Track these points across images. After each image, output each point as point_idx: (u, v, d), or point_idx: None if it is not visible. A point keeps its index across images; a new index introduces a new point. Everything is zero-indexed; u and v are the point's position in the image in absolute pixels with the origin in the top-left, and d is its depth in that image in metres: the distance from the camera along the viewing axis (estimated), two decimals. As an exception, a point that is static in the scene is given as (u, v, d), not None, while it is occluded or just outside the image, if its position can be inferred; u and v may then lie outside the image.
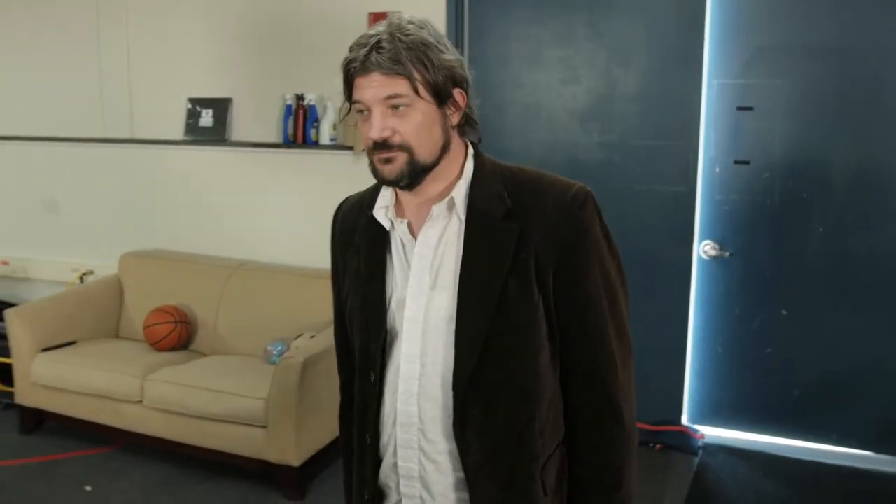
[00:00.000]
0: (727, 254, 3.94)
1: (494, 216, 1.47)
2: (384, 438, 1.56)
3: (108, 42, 4.82)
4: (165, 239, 4.83)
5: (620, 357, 1.52)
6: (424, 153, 1.45)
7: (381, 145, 1.43)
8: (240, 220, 4.68)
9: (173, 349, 4.22)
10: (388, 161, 1.44)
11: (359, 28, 4.11)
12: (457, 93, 1.46)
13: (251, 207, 4.64)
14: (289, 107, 4.42)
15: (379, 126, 1.42)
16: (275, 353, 4.02)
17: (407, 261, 1.53)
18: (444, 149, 1.48)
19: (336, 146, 4.34)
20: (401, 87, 1.39)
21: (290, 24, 4.41)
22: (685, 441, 4.00)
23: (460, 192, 1.49)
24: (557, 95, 4.11)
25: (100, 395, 3.98)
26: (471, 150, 1.54)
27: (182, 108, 4.71)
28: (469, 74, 1.50)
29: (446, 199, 1.49)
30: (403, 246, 1.54)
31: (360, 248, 1.59)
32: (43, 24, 5.01)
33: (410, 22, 1.42)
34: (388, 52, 1.38)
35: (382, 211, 1.55)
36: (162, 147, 4.79)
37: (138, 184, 4.90)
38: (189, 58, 4.67)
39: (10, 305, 4.96)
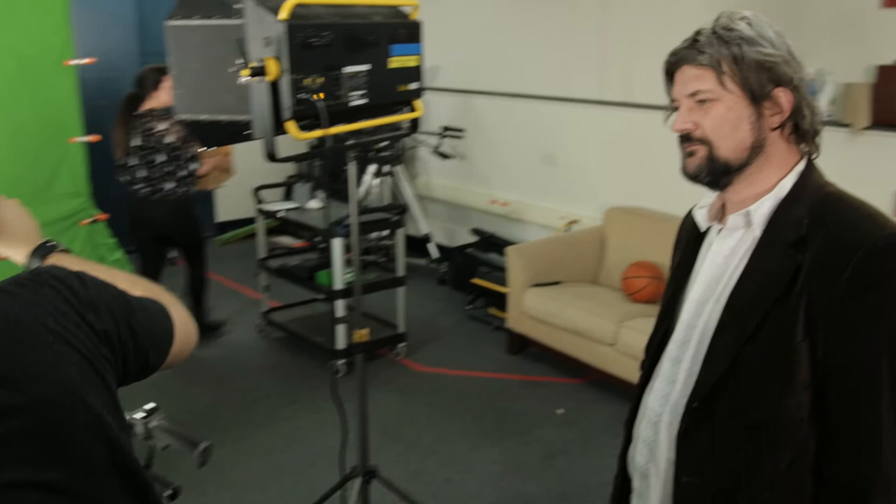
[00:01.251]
0: None
1: (785, 241, 1.37)
2: (637, 426, 1.60)
3: (613, 10, 5.19)
4: (649, 198, 5.12)
5: (889, 446, 1.30)
6: (725, 150, 1.40)
7: (685, 138, 1.43)
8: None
9: (647, 302, 4.53)
10: (689, 155, 1.44)
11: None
12: (778, 92, 1.37)
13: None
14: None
15: (682, 119, 1.42)
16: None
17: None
18: (755, 150, 1.40)
19: (831, 122, 4.22)
20: (707, 81, 1.38)
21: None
22: None
23: (763, 207, 1.41)
24: None
25: (577, 333, 4.45)
26: (800, 166, 1.42)
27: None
28: (800, 74, 1.38)
29: (743, 211, 1.42)
30: (709, 249, 1.51)
31: (680, 244, 1.62)
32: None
33: (742, 17, 1.38)
34: (700, 45, 1.38)
35: (702, 211, 1.53)
36: (657, 112, 5.06)
37: (630, 145, 5.24)
38: (687, 25, 4.83)
39: (506, 242, 5.72)
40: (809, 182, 1.41)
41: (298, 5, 2.11)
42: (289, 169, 7.23)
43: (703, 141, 1.41)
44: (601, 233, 5.11)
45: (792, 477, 1.36)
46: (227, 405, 4.39)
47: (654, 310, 4.84)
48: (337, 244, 4.52)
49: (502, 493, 3.59)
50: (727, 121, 1.38)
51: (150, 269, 4.99)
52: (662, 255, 4.86)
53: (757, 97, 1.37)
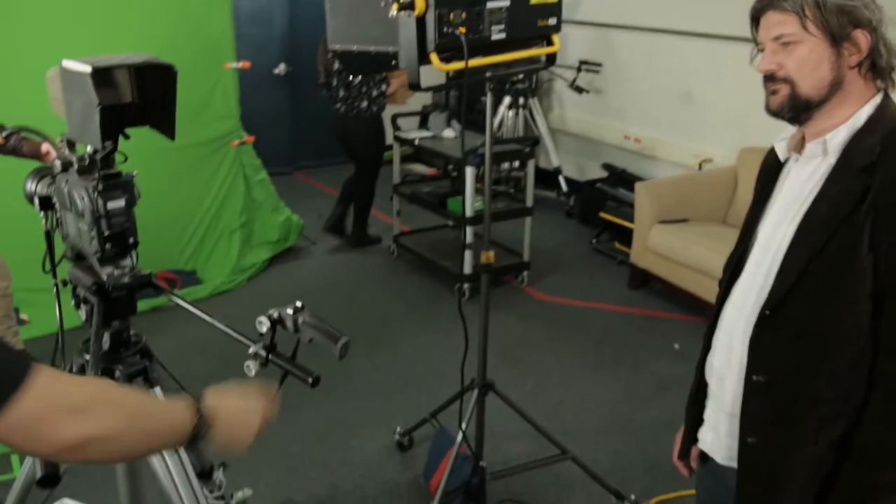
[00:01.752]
0: None
1: (857, 166, 1.47)
2: (715, 336, 1.74)
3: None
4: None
5: None
6: (807, 88, 1.50)
7: (769, 78, 1.54)
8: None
9: (773, 245, 4.50)
10: (773, 93, 1.55)
11: None
12: (857, 33, 1.46)
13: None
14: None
15: (767, 61, 1.53)
16: None
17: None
18: (834, 87, 1.50)
19: None
20: (790, 24, 1.48)
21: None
22: None
23: (839, 136, 1.51)
24: None
25: (701, 271, 4.48)
26: (877, 99, 1.52)
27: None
28: (879, 16, 1.46)
29: (820, 140, 1.53)
30: (787, 177, 1.63)
31: (761, 175, 1.72)
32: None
33: None
34: None
35: (783, 143, 1.64)
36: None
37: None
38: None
39: (637, 178, 5.74)
40: (884, 114, 1.50)
41: (444, -57, 2.22)
42: (424, 99, 7.40)
43: (787, 80, 1.52)
44: (733, 173, 5.06)
45: (849, 378, 1.50)
46: (357, 319, 4.68)
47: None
48: (469, 172, 4.68)
49: (613, 419, 3.73)
50: (809, 61, 1.49)
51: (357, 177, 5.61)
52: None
53: (837, 39, 1.47)
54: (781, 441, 1.59)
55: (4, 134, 2.94)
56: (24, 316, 4.07)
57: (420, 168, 7.31)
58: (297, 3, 7.35)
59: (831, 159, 1.53)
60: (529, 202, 5.17)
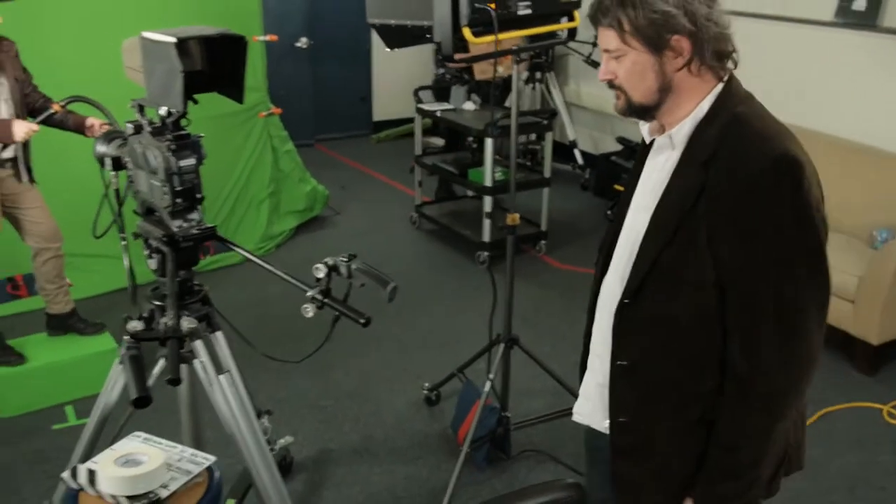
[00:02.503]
0: None
1: (698, 159, 1.52)
2: (596, 312, 1.80)
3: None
4: (794, 114, 5.13)
5: (774, 335, 1.50)
6: (638, 96, 1.56)
7: (610, 84, 1.60)
8: (867, 106, 4.76)
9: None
10: (617, 98, 1.60)
11: None
12: (676, 40, 1.49)
13: (888, 95, 4.69)
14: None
15: (602, 71, 1.59)
16: (879, 238, 4.23)
17: None
18: (664, 92, 1.54)
19: None
20: (613, 39, 1.52)
21: None
22: None
23: (683, 129, 1.56)
24: None
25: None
26: (717, 89, 1.55)
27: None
28: (695, 19, 1.47)
29: (665, 134, 1.59)
30: (648, 161, 1.68)
31: (637, 151, 1.77)
32: None
33: None
34: (603, 7, 1.52)
35: (647, 126, 1.69)
36: (812, 27, 5.05)
37: (817, 66, 5.20)
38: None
39: (652, 152, 5.87)
40: (724, 104, 1.55)
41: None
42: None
43: (621, 89, 1.59)
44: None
45: (701, 362, 1.60)
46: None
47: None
48: (489, 144, 4.85)
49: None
50: (634, 72, 1.54)
51: None
52: (833, 181, 4.90)
53: (657, 48, 1.51)
54: (646, 420, 1.68)
55: (63, 102, 3.13)
56: (66, 280, 4.29)
57: (438, 141, 7.48)
58: (317, -22, 7.53)
59: (678, 152, 1.58)
60: (547, 173, 5.34)
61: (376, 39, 8.27)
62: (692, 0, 1.48)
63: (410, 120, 5.81)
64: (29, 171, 3.57)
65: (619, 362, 1.67)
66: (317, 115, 7.84)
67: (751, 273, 1.49)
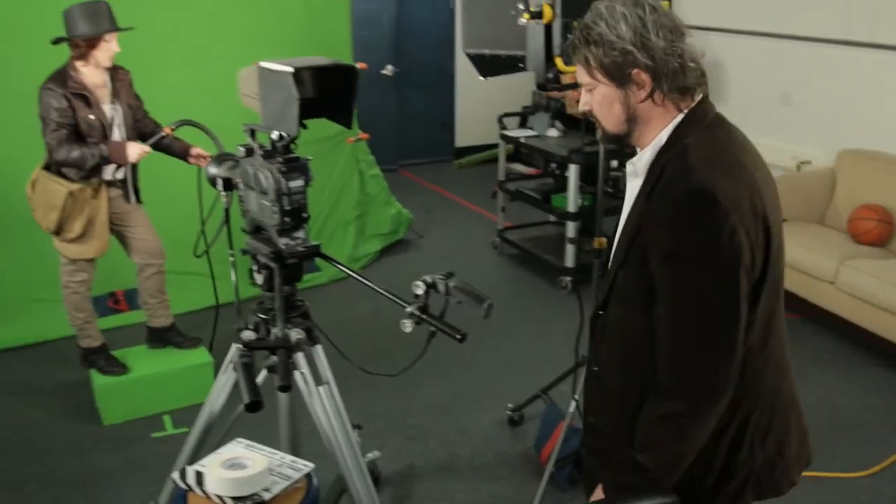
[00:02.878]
0: None
1: (646, 190, 1.62)
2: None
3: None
4: (885, 141, 5.08)
5: (682, 359, 1.60)
6: (609, 125, 1.67)
7: (589, 115, 1.71)
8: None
9: (873, 244, 4.59)
10: (597, 127, 1.72)
11: None
12: (634, 73, 1.58)
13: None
14: None
15: (582, 102, 1.70)
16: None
17: None
18: (631, 122, 1.64)
19: None
20: (584, 74, 1.65)
21: None
22: None
23: (643, 158, 1.66)
24: None
25: (798, 269, 4.61)
26: (677, 119, 1.63)
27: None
28: (652, 53, 1.55)
29: (630, 162, 1.70)
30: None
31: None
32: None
33: (609, 6, 1.59)
34: (572, 45, 1.64)
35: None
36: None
37: (868, 85, 5.19)
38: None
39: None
40: (678, 135, 1.63)
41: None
42: (525, 100, 7.66)
43: (595, 118, 1.72)
44: (832, 174, 5.16)
45: (644, 371, 1.69)
46: (466, 307, 4.96)
47: (879, 252, 4.89)
48: (573, 170, 4.92)
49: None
50: (604, 104, 1.66)
51: None
52: (893, 197, 4.91)
53: (621, 81, 1.61)
54: (608, 422, 1.82)
55: (173, 125, 3.33)
56: (167, 295, 4.50)
57: (520, 167, 7.56)
58: (404, 7, 7.76)
59: (640, 179, 1.68)
60: (629, 200, 5.36)
61: (459, 67, 8.55)
62: (649, 36, 1.57)
63: (492, 146, 5.90)
64: (136, 191, 3.79)
65: (594, 368, 1.84)
66: (402, 141, 8.03)
67: (668, 295, 1.59)
